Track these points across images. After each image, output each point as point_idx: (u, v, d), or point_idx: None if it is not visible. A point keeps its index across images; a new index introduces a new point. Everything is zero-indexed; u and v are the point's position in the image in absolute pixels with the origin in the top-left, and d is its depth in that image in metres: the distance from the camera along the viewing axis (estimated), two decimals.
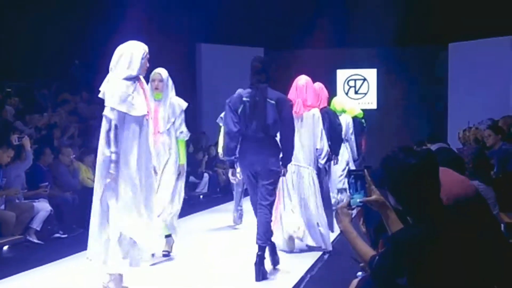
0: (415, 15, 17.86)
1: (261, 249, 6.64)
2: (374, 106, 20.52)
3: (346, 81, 21.04)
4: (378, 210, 3.28)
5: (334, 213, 7.01)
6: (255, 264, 6.52)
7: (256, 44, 19.86)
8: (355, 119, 11.49)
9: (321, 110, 8.36)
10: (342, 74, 21.11)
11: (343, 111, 11.01)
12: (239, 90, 7.04)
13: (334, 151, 8.83)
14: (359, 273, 4.41)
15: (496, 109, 14.78)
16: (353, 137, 11.13)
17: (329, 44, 20.73)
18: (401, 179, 3.07)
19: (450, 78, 19.83)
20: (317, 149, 8.03)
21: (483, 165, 6.66)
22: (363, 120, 12.03)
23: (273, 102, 6.70)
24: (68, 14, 15.68)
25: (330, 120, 8.76)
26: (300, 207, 7.93)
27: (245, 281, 6.61)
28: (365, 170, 3.30)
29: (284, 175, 7.01)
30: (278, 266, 7.07)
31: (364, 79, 20.94)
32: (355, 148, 11.24)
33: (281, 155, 6.86)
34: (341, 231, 3.36)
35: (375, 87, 20.90)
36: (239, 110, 6.73)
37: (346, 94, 20.80)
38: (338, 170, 10.50)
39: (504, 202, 6.90)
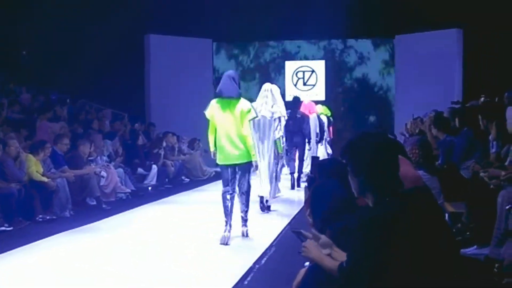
0: (362, 8, 18.06)
1: (299, 173, 13.98)
2: (322, 97, 20.67)
3: (295, 73, 21.16)
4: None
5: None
6: (292, 183, 13.67)
7: (204, 36, 19.83)
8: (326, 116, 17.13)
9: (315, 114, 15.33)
10: (290, 66, 21.24)
11: (321, 113, 16.36)
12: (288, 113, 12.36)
13: (320, 138, 15.44)
14: (307, 263, 4.46)
15: (441, 101, 15.05)
16: (325, 127, 16.49)
17: (278, 36, 20.88)
18: (369, 157, 3.18)
19: (397, 70, 20.14)
20: (317, 133, 14.99)
21: (428, 156, 6.74)
22: (330, 117, 17.59)
23: (299, 116, 13.47)
24: (17, 3, 15.43)
25: (320, 121, 15.45)
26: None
27: (199, 269, 6.65)
28: (301, 231, 3.80)
29: (310, 149, 14.04)
30: (225, 257, 7.21)
31: (313, 71, 21.08)
32: (326, 135, 16.96)
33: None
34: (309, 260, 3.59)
35: (323, 78, 21.08)
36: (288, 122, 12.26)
37: (295, 85, 20.96)
38: (321, 148, 16.12)
39: (448, 192, 7.03)
